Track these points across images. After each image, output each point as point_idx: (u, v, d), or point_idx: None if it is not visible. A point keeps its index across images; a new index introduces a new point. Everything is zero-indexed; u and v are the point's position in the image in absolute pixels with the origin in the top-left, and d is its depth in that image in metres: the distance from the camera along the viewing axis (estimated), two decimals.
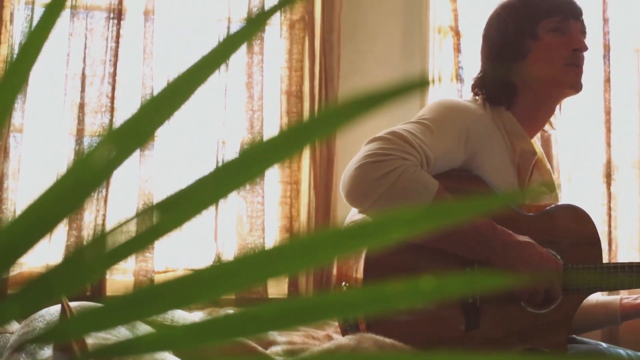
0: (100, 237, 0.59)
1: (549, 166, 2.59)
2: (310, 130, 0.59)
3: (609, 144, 3.87)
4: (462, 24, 3.78)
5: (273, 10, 0.60)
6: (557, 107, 2.49)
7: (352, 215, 2.31)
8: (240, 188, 0.58)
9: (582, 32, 2.45)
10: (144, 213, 0.60)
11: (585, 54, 2.42)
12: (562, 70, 2.39)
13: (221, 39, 0.62)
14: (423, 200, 2.09)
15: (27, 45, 0.64)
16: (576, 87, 2.41)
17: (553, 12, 2.40)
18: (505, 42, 2.44)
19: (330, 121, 0.59)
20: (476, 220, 2.16)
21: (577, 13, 2.44)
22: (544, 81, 2.40)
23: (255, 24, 0.60)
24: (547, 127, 2.55)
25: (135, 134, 0.59)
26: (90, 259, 0.58)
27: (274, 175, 3.57)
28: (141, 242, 0.59)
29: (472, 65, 3.68)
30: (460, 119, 2.29)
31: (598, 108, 3.90)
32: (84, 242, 0.58)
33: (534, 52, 2.40)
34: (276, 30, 3.65)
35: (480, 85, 2.46)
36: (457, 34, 3.76)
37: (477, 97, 2.45)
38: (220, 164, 0.60)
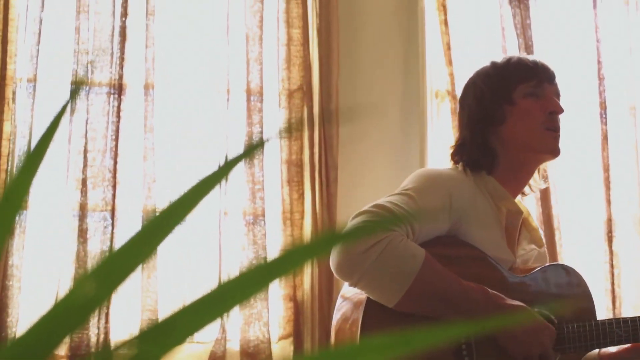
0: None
1: (535, 223, 2.61)
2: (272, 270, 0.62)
3: (609, 202, 3.89)
4: (458, 88, 3.81)
5: (265, 141, 0.63)
6: (537, 170, 2.53)
7: (345, 289, 2.34)
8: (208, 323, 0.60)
9: (557, 95, 2.49)
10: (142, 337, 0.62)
11: (562, 116, 2.46)
12: (540, 135, 2.42)
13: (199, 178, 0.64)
14: (411, 269, 2.11)
15: (26, 166, 0.66)
16: (554, 152, 2.44)
17: (527, 76, 2.45)
18: (482, 108, 2.48)
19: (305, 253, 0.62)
20: (468, 284, 2.18)
21: (550, 77, 2.49)
22: (522, 146, 2.44)
23: (248, 152, 0.63)
24: (527, 189, 2.58)
25: (119, 269, 0.61)
26: None
27: (276, 244, 3.59)
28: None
29: None
30: (442, 186, 2.33)
31: (597, 166, 3.92)
32: None
33: (511, 117, 2.44)
34: (275, 100, 3.69)
35: (460, 153, 2.50)
36: (454, 98, 3.80)
37: (457, 165, 2.49)
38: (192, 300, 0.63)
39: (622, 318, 2.39)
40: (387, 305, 2.15)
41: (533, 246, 2.52)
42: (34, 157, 0.69)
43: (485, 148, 2.46)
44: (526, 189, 2.57)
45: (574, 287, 2.42)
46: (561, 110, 2.45)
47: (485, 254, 2.32)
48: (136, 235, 0.63)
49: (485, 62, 2.58)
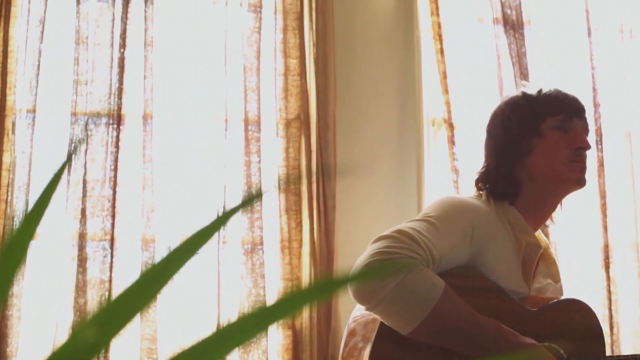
0: None
1: (554, 257, 2.60)
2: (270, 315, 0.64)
3: (605, 228, 3.90)
4: (455, 116, 3.84)
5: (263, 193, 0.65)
6: (560, 202, 2.52)
7: (357, 311, 2.34)
8: None
9: (585, 130, 2.48)
10: None
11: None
12: (565, 166, 2.41)
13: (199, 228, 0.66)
14: (429, 299, 2.12)
15: (25, 224, 0.68)
16: (580, 182, 2.43)
17: (557, 110, 2.44)
18: (509, 138, 2.47)
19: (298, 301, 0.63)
20: (483, 320, 2.18)
21: (580, 111, 2.48)
22: (547, 177, 2.43)
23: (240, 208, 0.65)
24: (547, 221, 2.57)
25: (119, 316, 0.63)
26: None
27: (275, 273, 3.60)
28: None
29: (467, 156, 3.75)
30: (465, 216, 2.32)
31: (593, 193, 3.94)
32: None
33: (538, 149, 2.43)
34: (272, 130, 3.72)
35: (484, 180, 2.49)
36: (450, 126, 3.83)
37: (480, 193, 2.48)
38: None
39: (632, 355, 2.39)
40: (401, 332, 2.15)
41: (549, 280, 2.51)
42: (33, 215, 0.71)
43: (510, 178, 2.45)
44: (548, 222, 2.56)
45: (585, 322, 2.41)
46: (588, 147, 2.44)
47: (501, 286, 2.31)
48: (135, 283, 0.65)
49: (515, 92, 2.58)
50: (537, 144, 2.43)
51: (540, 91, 2.49)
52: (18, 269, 0.71)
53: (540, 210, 2.48)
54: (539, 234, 2.53)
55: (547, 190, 2.45)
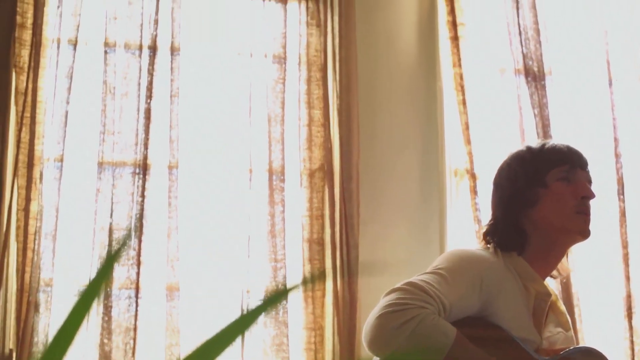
0: None
1: (563, 307, 2.63)
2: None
3: (628, 278, 3.90)
4: (477, 166, 3.87)
5: (293, 288, 0.67)
6: (566, 254, 2.56)
7: None
8: None
9: (589, 181, 2.54)
10: None
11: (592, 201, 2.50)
12: (571, 217, 2.47)
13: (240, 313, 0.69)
14: (442, 346, 2.15)
15: (60, 335, 0.70)
16: (584, 233, 2.48)
17: (561, 161, 2.50)
18: (515, 190, 2.52)
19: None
20: None
21: (583, 163, 2.54)
22: (553, 227, 2.48)
23: (275, 299, 0.68)
24: (555, 273, 2.61)
25: None
26: None
27: (298, 321, 3.62)
28: None
29: (489, 206, 3.76)
30: (474, 267, 2.36)
31: (615, 242, 3.94)
32: None
33: (544, 200, 2.48)
34: (296, 180, 3.76)
35: (492, 233, 2.54)
36: (472, 176, 3.85)
37: (488, 245, 2.53)
38: None
39: None
40: None
41: (560, 329, 2.54)
42: (68, 329, 0.73)
43: (517, 229, 2.50)
44: (554, 272, 2.60)
45: None
46: (592, 196, 2.50)
47: (512, 335, 2.35)
48: None
49: (520, 146, 2.64)
50: (543, 195, 2.49)
51: (544, 145, 2.57)
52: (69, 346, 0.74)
53: (547, 259, 2.52)
54: (547, 284, 2.56)
55: (553, 240, 2.50)
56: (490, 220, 2.59)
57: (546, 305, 2.48)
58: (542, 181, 2.50)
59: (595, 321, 3.87)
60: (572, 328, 2.88)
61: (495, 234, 2.52)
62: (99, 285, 0.67)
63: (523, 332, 2.38)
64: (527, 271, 2.45)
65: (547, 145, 2.56)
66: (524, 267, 2.46)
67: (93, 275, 0.68)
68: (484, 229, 2.58)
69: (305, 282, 0.71)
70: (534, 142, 2.64)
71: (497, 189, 2.61)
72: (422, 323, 2.13)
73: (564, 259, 2.58)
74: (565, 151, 2.54)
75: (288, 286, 0.67)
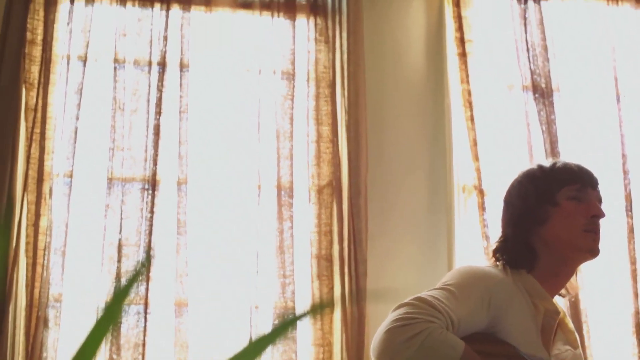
0: None
1: (571, 325, 2.64)
2: None
3: (636, 295, 3.90)
4: (485, 182, 3.88)
5: (304, 315, 0.68)
6: (575, 270, 2.57)
7: None
8: None
9: (599, 200, 2.55)
10: None
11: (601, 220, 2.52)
12: (580, 235, 2.48)
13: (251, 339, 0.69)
14: (450, 359, 2.16)
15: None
16: (593, 252, 2.50)
17: (572, 180, 2.53)
18: (526, 207, 2.54)
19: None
20: None
21: (594, 183, 2.56)
22: (563, 245, 2.49)
23: (288, 325, 0.69)
24: (563, 291, 2.62)
25: None
26: None
27: (306, 337, 3.62)
28: None
29: (497, 223, 3.76)
30: (483, 283, 2.38)
31: (623, 259, 3.94)
32: None
33: (554, 218, 2.50)
34: (305, 196, 3.77)
35: (502, 250, 2.55)
36: (480, 192, 3.86)
37: (497, 263, 2.54)
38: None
39: None
40: None
41: (568, 347, 2.55)
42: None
43: (527, 247, 2.52)
44: (563, 291, 2.61)
45: None
46: (603, 215, 2.52)
47: (520, 352, 2.35)
48: None
49: (531, 165, 2.66)
50: (553, 213, 2.51)
51: (555, 163, 2.60)
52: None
53: (557, 277, 2.54)
54: (555, 301, 2.57)
55: (562, 258, 2.51)
56: (500, 238, 2.61)
57: (555, 323, 2.49)
58: (552, 199, 2.52)
59: (603, 338, 3.86)
60: (581, 345, 2.89)
61: (505, 251, 2.54)
62: (117, 308, 0.68)
63: (531, 349, 2.39)
64: (536, 289, 2.47)
65: (558, 164, 2.58)
66: (533, 284, 2.47)
67: (111, 297, 0.69)
68: (494, 246, 2.60)
69: (313, 309, 0.72)
70: (545, 160, 2.66)
71: (507, 206, 2.63)
72: (430, 337, 2.15)
73: (572, 278, 2.60)
74: (576, 170, 2.56)
75: (296, 315, 0.68)
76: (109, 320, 0.69)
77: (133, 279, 0.69)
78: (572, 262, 2.54)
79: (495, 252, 2.58)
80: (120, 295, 0.69)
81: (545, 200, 2.52)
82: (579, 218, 2.49)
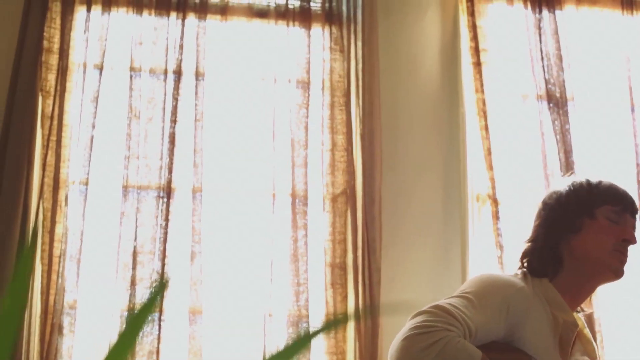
0: None
1: (590, 335, 2.64)
2: None
3: None
4: (499, 192, 3.88)
5: (317, 332, 0.69)
6: (596, 288, 2.58)
7: None
8: None
9: (634, 227, 2.56)
10: None
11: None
12: (608, 253, 2.50)
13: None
14: None
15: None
16: (618, 272, 2.51)
17: (615, 201, 2.55)
18: (563, 212, 2.57)
19: None
20: None
21: (634, 210, 2.59)
22: (589, 259, 2.50)
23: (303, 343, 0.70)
24: (578, 308, 2.62)
25: None
26: None
27: (320, 345, 3.63)
28: None
29: (511, 232, 3.77)
30: (501, 292, 2.38)
31: (638, 267, 3.93)
32: None
33: (587, 230, 2.52)
34: (319, 204, 3.78)
35: (529, 254, 2.56)
36: (494, 202, 3.86)
37: (517, 273, 2.54)
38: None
39: None
40: None
41: (586, 358, 2.55)
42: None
43: (554, 253, 2.53)
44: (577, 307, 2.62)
45: None
46: (634, 241, 2.55)
47: None
48: None
49: (579, 178, 2.68)
50: (588, 225, 2.52)
51: (601, 181, 2.60)
52: None
53: (578, 291, 2.55)
54: (576, 314, 2.57)
55: (586, 271, 2.52)
56: (529, 238, 2.61)
57: (573, 335, 2.49)
58: (591, 212, 2.54)
59: (617, 346, 3.85)
60: None
61: (532, 255, 2.55)
62: (142, 321, 0.69)
63: (548, 358, 2.39)
64: (556, 300, 2.47)
65: (605, 182, 2.60)
66: (554, 295, 2.48)
67: (136, 310, 0.70)
68: (523, 248, 2.61)
69: (327, 325, 0.72)
70: (594, 177, 2.67)
71: (545, 208, 2.64)
72: (448, 345, 2.16)
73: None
74: (622, 193, 2.59)
75: (310, 332, 0.69)
76: (131, 337, 0.70)
77: (147, 308, 0.70)
78: (595, 278, 2.55)
79: (523, 255, 2.59)
80: (145, 309, 0.70)
81: (583, 211, 2.54)
82: (611, 237, 2.51)
